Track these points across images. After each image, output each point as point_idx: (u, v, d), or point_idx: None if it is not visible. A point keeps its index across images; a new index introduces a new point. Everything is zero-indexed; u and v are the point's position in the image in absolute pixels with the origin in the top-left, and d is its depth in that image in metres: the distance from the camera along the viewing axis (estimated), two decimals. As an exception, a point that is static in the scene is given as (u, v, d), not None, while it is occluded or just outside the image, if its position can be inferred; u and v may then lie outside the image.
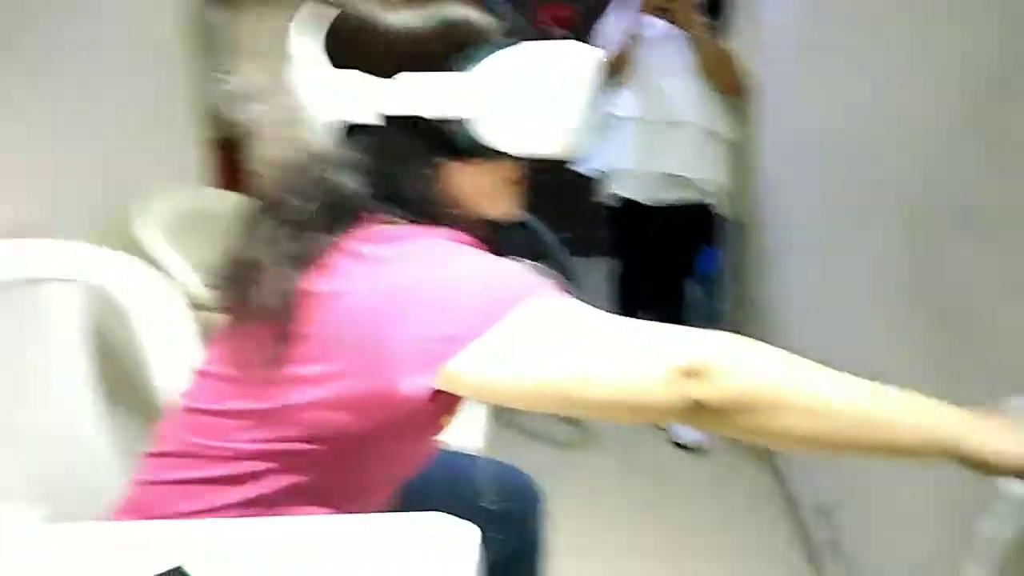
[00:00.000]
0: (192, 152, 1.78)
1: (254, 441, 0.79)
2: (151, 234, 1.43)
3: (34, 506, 0.78)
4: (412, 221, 0.76)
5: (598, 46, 2.48)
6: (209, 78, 1.74)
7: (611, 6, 2.48)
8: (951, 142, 1.17)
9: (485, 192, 0.81)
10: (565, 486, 2.19)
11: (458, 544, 0.65)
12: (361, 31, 0.76)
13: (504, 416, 2.60)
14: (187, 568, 0.64)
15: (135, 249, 1.42)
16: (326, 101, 0.77)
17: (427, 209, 0.76)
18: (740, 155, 2.52)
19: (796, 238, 2.07)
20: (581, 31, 4.14)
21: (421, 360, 0.67)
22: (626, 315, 2.25)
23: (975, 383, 1.06)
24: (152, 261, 1.39)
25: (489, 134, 0.75)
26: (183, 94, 1.75)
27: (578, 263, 2.58)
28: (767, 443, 0.68)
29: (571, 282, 2.52)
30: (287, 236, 0.75)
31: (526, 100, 0.75)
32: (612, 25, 2.49)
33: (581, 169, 2.61)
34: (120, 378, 1.29)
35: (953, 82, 1.15)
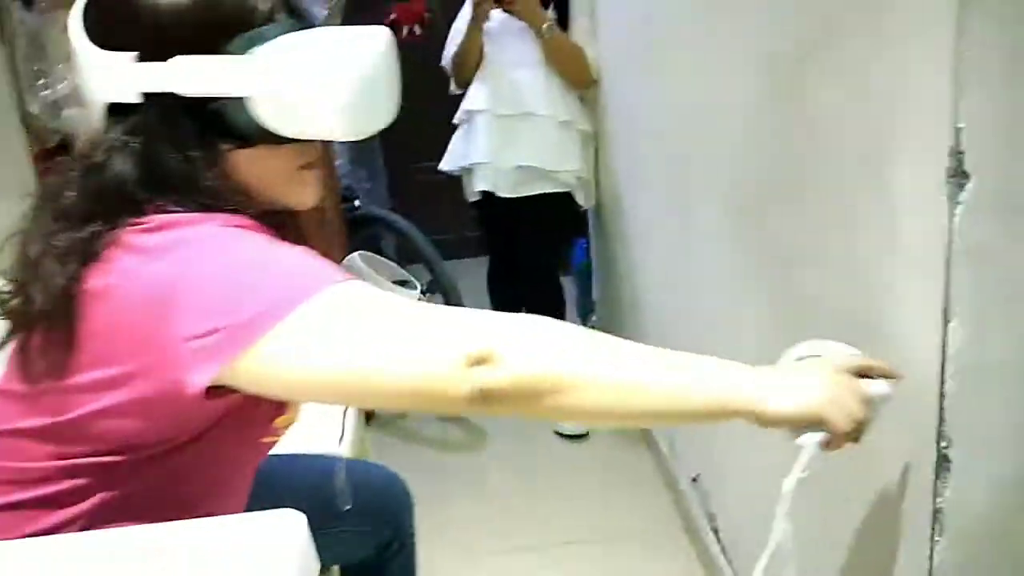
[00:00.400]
0: (17, 165, 1.66)
1: (59, 458, 0.74)
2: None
3: None
4: (194, 209, 0.72)
5: (451, 42, 2.49)
6: (28, 87, 1.63)
7: (464, 2, 2.49)
8: (757, 119, 1.24)
9: (275, 178, 0.78)
10: (453, 487, 2.19)
11: (285, 533, 0.63)
12: (121, 9, 0.72)
13: (389, 424, 2.56)
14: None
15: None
16: (97, 85, 0.73)
17: (204, 196, 0.73)
18: (595, 146, 2.59)
19: (648, 224, 2.14)
20: (436, 29, 4.17)
21: (202, 356, 0.64)
22: (499, 311, 2.23)
23: (798, 339, 1.12)
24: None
25: (266, 116, 0.72)
26: (2, 106, 1.63)
27: (461, 264, 2.60)
28: (563, 419, 0.71)
29: (444, 280, 2.51)
30: (62, 230, 0.71)
31: (301, 81, 0.72)
32: (463, 18, 2.50)
33: (444, 167, 2.61)
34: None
35: (756, 62, 1.23)
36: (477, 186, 2.51)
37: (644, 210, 2.17)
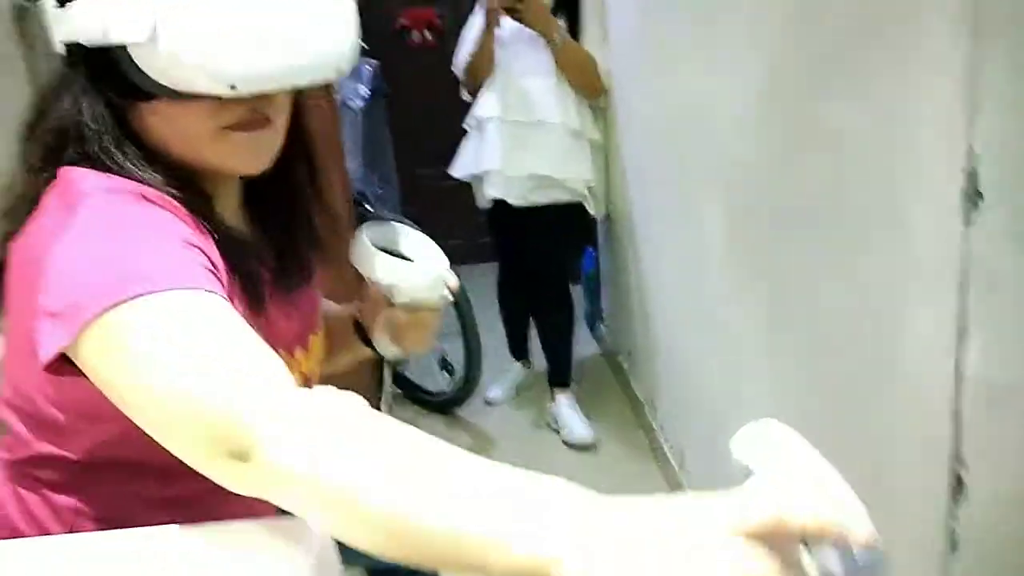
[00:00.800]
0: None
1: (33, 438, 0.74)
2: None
3: None
4: (105, 168, 0.68)
5: (462, 50, 2.50)
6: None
7: (475, 9, 2.50)
8: (767, 134, 1.24)
9: (193, 139, 0.70)
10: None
11: (308, 532, 0.62)
12: None
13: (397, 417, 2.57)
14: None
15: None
16: (50, 35, 0.70)
17: (113, 154, 0.68)
18: (605, 155, 2.59)
19: (658, 235, 2.14)
20: (448, 35, 4.19)
21: (47, 330, 0.60)
22: (510, 320, 2.23)
23: (810, 356, 1.12)
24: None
25: (148, 65, 0.64)
26: (17, 105, 1.64)
27: (472, 269, 2.60)
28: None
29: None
30: (17, 182, 0.71)
31: (200, 27, 0.64)
32: (474, 26, 2.51)
33: (455, 174, 2.62)
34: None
35: (768, 76, 1.23)
36: (488, 193, 2.51)
37: (654, 221, 2.17)
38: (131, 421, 0.59)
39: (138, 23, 0.63)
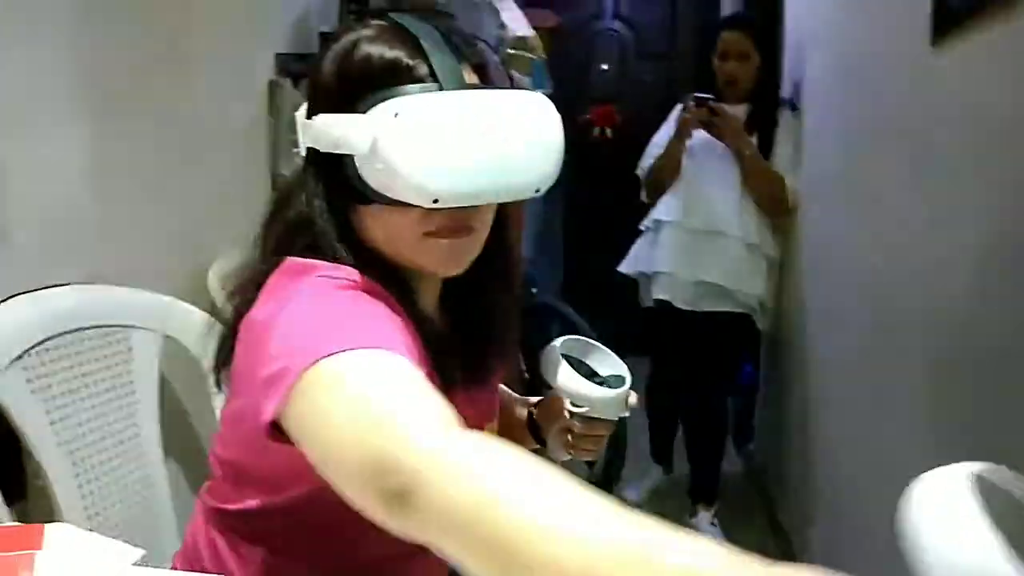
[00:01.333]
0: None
1: (233, 501, 0.81)
2: (221, 294, 1.47)
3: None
4: (326, 258, 0.76)
5: (649, 154, 2.58)
6: (283, 154, 1.83)
7: (669, 117, 2.59)
8: (980, 299, 1.19)
9: (399, 240, 0.77)
10: None
11: None
12: (313, 73, 0.79)
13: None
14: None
15: (203, 305, 1.47)
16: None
17: (335, 247, 0.75)
18: (780, 272, 2.56)
19: (832, 365, 2.08)
20: (626, 132, 4.33)
21: (266, 392, 0.64)
22: (657, 422, 2.19)
23: None
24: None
25: (368, 175, 0.72)
26: (259, 168, 1.84)
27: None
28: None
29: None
30: (249, 264, 0.80)
31: (411, 145, 0.70)
32: (664, 133, 2.59)
33: (624, 269, 2.67)
34: (180, 429, 1.30)
35: (985, 220, 1.19)
36: (655, 294, 2.54)
37: (829, 350, 2.11)
38: (324, 481, 0.61)
39: (362, 138, 0.71)
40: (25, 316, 1.01)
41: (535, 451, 0.97)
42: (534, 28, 2.68)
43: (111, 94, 1.30)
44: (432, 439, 0.56)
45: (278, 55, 1.90)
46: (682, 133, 2.43)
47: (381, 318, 0.70)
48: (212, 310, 1.48)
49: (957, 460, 1.26)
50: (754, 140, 2.41)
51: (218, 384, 0.82)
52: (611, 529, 0.49)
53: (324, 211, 0.76)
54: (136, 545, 1.07)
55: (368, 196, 0.73)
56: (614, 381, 0.93)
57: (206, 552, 0.84)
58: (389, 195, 0.72)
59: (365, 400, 0.60)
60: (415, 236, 0.76)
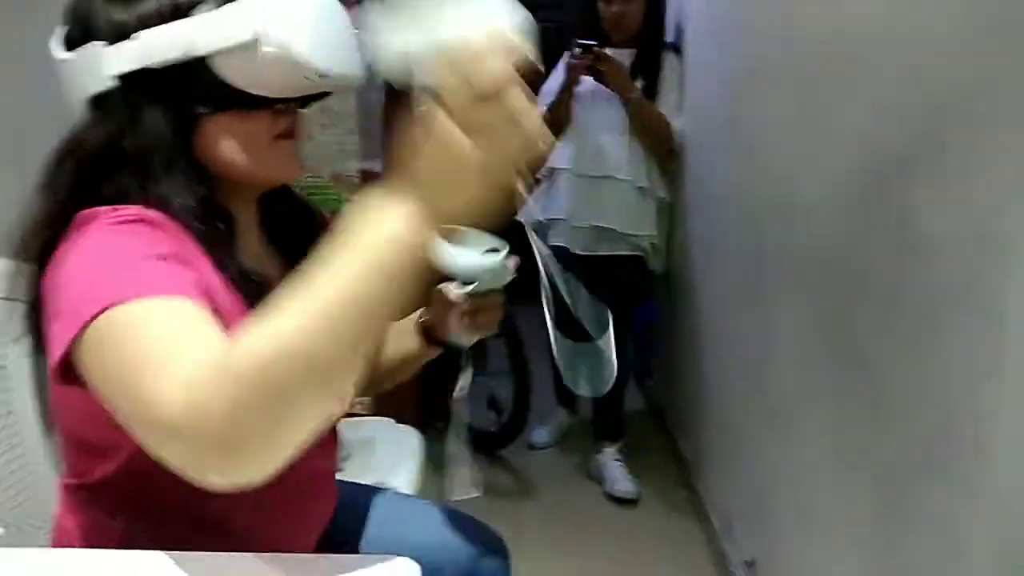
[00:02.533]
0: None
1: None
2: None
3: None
4: (142, 183, 0.74)
5: (541, 103, 2.57)
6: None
7: (557, 65, 2.57)
8: (852, 214, 1.26)
9: (251, 149, 0.78)
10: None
11: None
12: (86, 8, 0.76)
13: (433, 459, 2.59)
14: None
15: None
16: (76, 85, 0.77)
17: (156, 172, 0.75)
18: (670, 212, 2.63)
19: (720, 299, 2.16)
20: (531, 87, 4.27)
21: (54, 335, 0.66)
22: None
23: (884, 442, 1.13)
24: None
25: (230, 74, 0.73)
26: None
27: (519, 311, 2.64)
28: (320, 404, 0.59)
29: (505, 321, 2.54)
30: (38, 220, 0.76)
31: (300, 23, 0.73)
32: (553, 81, 2.58)
33: (521, 218, 2.66)
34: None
35: (855, 159, 1.25)
36: (552, 240, 2.56)
37: (717, 285, 2.19)
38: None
39: (241, 27, 0.71)
40: None
41: (441, 354, 1.06)
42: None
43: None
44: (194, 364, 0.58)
45: None
46: (570, 81, 2.42)
47: (163, 259, 0.68)
48: None
49: (840, 383, 1.34)
50: (639, 84, 2.44)
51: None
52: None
53: (157, 130, 0.74)
54: (17, 519, 1.03)
55: (224, 101, 0.74)
56: (494, 253, 0.97)
57: (74, 534, 0.83)
58: (254, 91, 0.74)
59: (142, 349, 0.61)
60: (267, 139, 0.79)
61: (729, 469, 2.06)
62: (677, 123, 2.46)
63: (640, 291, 2.93)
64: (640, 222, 2.50)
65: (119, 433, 0.63)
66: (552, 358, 2.93)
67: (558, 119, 2.49)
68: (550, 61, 2.68)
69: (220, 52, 0.72)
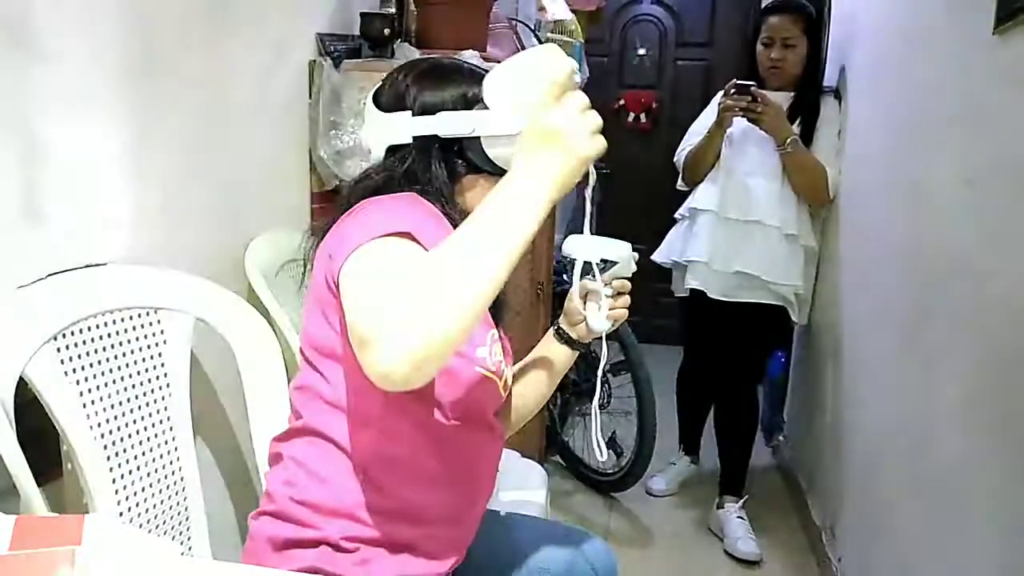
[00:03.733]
0: (300, 199, 1.85)
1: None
2: (257, 276, 1.46)
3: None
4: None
5: (687, 141, 2.54)
6: (322, 134, 1.81)
7: (711, 104, 2.53)
8: None
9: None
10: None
11: None
12: (407, 89, 1.04)
13: (556, 498, 2.56)
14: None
15: (240, 284, 1.46)
16: (379, 136, 1.04)
17: (433, 191, 0.99)
18: (817, 261, 2.51)
19: (871, 359, 2.03)
20: (663, 119, 4.27)
21: (332, 261, 0.90)
22: (687, 412, 2.28)
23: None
24: (255, 300, 1.42)
25: (490, 151, 0.97)
26: (297, 146, 1.83)
27: (648, 350, 2.59)
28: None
29: (636, 363, 2.55)
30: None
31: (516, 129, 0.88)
32: (703, 120, 2.53)
33: (657, 259, 2.62)
34: (209, 412, 1.30)
35: None
36: (689, 283, 2.49)
37: (869, 342, 2.06)
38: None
39: (508, 124, 0.93)
40: (59, 297, 1.01)
41: (580, 356, 1.22)
42: (572, 11, 2.64)
43: (149, 72, 1.28)
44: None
45: (319, 35, 1.88)
46: (722, 120, 2.37)
47: (429, 219, 0.94)
48: (248, 292, 1.48)
49: (1000, 459, 1.23)
50: (796, 128, 2.35)
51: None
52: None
53: (439, 175, 1.00)
54: (164, 526, 1.08)
55: (482, 167, 0.99)
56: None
57: (300, 473, 0.96)
58: (502, 165, 0.94)
59: (387, 276, 0.83)
60: None
61: (870, 541, 1.92)
62: (834, 170, 2.36)
63: (775, 342, 2.81)
64: (787, 271, 2.39)
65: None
66: (677, 403, 2.88)
67: (705, 160, 2.44)
68: (699, 100, 2.65)
69: (489, 136, 0.97)
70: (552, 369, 1.21)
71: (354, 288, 0.84)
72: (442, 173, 1.00)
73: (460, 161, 1.00)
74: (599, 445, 1.10)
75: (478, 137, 0.97)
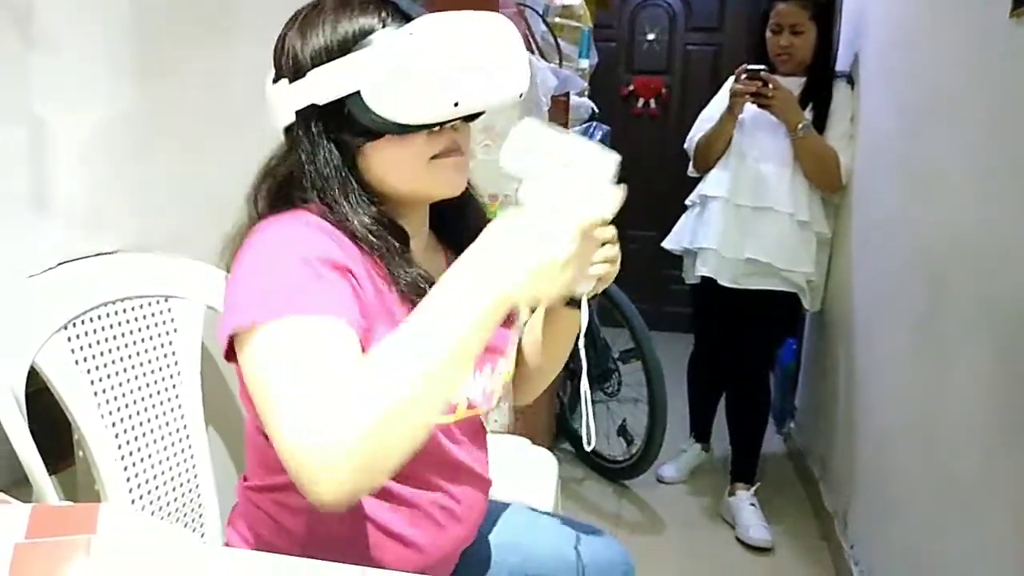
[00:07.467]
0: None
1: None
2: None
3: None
4: (325, 202, 0.83)
5: (698, 129, 2.52)
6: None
7: (720, 90, 2.51)
8: None
9: (409, 170, 0.84)
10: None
11: None
12: (278, 47, 0.86)
13: (566, 486, 2.56)
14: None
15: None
16: (274, 116, 0.87)
17: (335, 193, 0.83)
18: (828, 248, 2.49)
19: (883, 344, 2.02)
20: (673, 105, 4.24)
21: (222, 326, 0.77)
22: (697, 399, 2.22)
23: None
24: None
25: (381, 107, 0.79)
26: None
27: (657, 337, 2.58)
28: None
29: (646, 350, 2.50)
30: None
31: (411, 69, 0.78)
32: (714, 105, 2.51)
33: (667, 246, 2.61)
34: (221, 400, 1.30)
35: None
36: (699, 270, 2.48)
37: (882, 331, 2.04)
38: None
39: (377, 67, 0.78)
40: (69, 286, 1.01)
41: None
42: (581, -4, 2.62)
43: (156, 60, 1.28)
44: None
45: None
46: (733, 106, 2.35)
47: (324, 279, 0.76)
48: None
49: (1014, 447, 1.21)
50: (808, 114, 2.33)
51: None
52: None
53: (330, 159, 0.82)
54: (176, 514, 1.08)
55: (379, 129, 0.80)
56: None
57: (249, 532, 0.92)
58: (401, 120, 0.79)
59: (286, 374, 0.70)
60: (422, 161, 0.84)
61: (883, 528, 1.91)
62: (846, 156, 2.33)
63: (787, 329, 2.80)
64: (798, 257, 2.37)
65: None
66: (688, 390, 2.88)
67: (715, 146, 2.42)
68: (709, 85, 2.63)
69: (368, 88, 0.79)
70: (557, 333, 1.04)
71: (263, 383, 0.71)
72: (333, 158, 0.82)
73: (349, 132, 0.82)
74: (588, 428, 0.90)
75: (357, 94, 0.79)
